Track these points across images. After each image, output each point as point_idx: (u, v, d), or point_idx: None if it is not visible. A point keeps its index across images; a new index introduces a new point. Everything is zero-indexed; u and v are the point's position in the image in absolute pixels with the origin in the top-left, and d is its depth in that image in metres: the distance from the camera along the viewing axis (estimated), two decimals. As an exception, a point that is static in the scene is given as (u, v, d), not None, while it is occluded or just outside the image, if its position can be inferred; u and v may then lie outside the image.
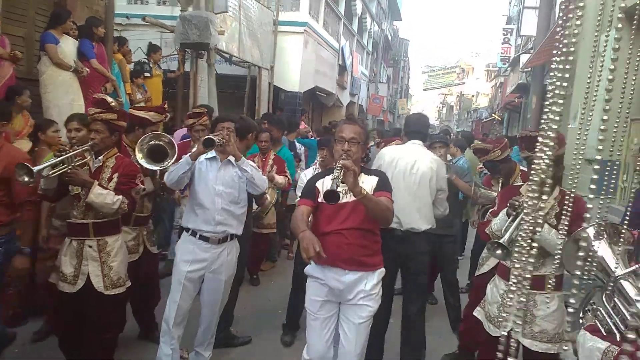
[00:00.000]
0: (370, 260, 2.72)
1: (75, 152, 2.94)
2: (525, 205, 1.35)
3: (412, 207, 3.51)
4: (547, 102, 1.08)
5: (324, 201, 2.59)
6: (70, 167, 2.88)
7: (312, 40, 13.83)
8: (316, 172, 4.07)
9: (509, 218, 2.77)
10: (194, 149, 3.17)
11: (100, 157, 3.08)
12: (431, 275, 5.17)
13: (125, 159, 3.24)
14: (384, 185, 2.74)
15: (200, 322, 3.42)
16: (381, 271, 2.79)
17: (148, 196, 3.67)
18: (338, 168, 2.43)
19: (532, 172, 1.02)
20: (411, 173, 3.53)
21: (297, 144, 7.67)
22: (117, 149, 3.22)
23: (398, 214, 3.35)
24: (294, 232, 2.65)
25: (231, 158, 3.23)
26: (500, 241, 2.67)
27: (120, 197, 2.97)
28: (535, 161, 1.07)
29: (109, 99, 3.14)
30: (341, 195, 2.53)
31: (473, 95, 45.74)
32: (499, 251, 2.73)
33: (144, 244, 3.73)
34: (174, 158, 3.33)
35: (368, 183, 2.70)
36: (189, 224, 3.25)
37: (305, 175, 4.25)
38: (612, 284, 1.87)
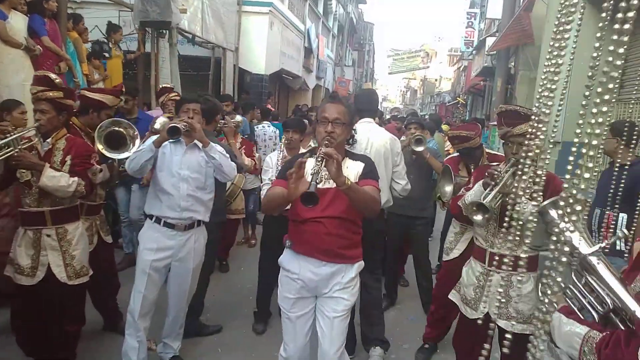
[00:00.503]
0: (349, 253, 2.53)
1: (20, 133, 2.74)
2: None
3: None
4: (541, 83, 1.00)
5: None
6: (17, 150, 2.67)
7: (278, 22, 13.53)
8: (281, 155, 3.94)
9: (485, 189, 2.71)
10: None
11: (49, 140, 2.87)
12: (402, 258, 5.17)
13: (77, 139, 3.05)
14: (370, 172, 2.54)
15: (167, 313, 3.28)
16: (360, 264, 2.62)
17: (101, 184, 3.47)
18: (319, 160, 2.20)
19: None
20: (365, 152, 3.48)
21: (271, 128, 7.59)
22: (67, 129, 3.02)
23: None
24: (275, 204, 2.46)
25: (198, 142, 3.06)
26: (483, 202, 2.60)
27: (76, 178, 2.80)
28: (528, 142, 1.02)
29: (53, 76, 2.92)
30: (323, 180, 2.39)
31: (436, 80, 46.21)
32: (479, 216, 2.66)
33: (98, 233, 3.55)
34: (136, 145, 3.14)
35: (353, 169, 2.52)
36: (152, 210, 3.08)
37: (270, 159, 4.10)
38: (578, 261, 1.81)
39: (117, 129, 3.16)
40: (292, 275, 2.55)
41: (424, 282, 4.62)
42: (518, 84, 12.15)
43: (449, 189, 3.46)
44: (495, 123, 11.23)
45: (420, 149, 4.31)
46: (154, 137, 3.01)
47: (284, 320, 2.64)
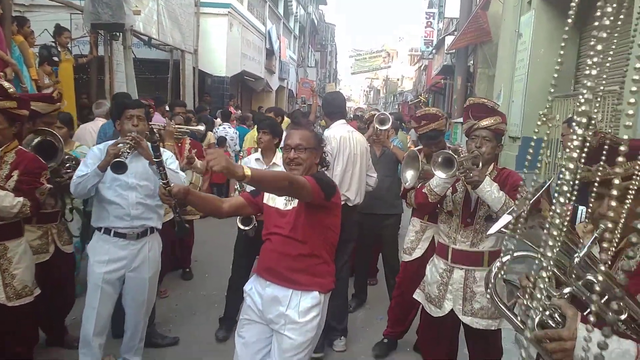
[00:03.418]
0: (296, 277, 2.30)
1: None
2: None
3: (356, 183, 3.79)
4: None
5: (267, 202, 2.44)
6: None
7: (237, 23, 13.37)
8: (258, 157, 3.84)
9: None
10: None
11: None
12: (373, 256, 5.12)
13: (28, 153, 2.84)
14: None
15: (125, 328, 3.11)
16: (314, 296, 2.34)
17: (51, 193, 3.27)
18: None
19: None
20: (355, 155, 3.76)
21: (232, 129, 7.64)
22: (19, 141, 2.83)
23: (350, 193, 3.73)
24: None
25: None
26: (450, 153, 2.54)
27: (21, 199, 2.60)
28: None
29: (6, 85, 2.72)
30: (285, 203, 2.37)
31: (398, 79, 46.85)
32: (441, 172, 2.58)
33: (55, 243, 3.35)
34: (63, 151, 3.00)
35: None
36: (100, 222, 2.93)
37: (249, 160, 3.98)
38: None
39: (43, 138, 2.97)
40: (245, 295, 2.48)
41: (393, 280, 4.57)
42: (477, 81, 12.38)
43: (410, 173, 3.27)
44: (457, 120, 11.42)
45: (384, 127, 4.35)
46: (94, 152, 2.88)
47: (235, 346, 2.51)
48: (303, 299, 2.32)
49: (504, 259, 1.49)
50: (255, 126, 6.73)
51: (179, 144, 4.71)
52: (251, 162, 3.92)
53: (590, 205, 1.54)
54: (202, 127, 5.27)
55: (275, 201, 2.43)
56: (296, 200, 2.34)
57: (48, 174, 2.92)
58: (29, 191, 2.68)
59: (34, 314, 3.00)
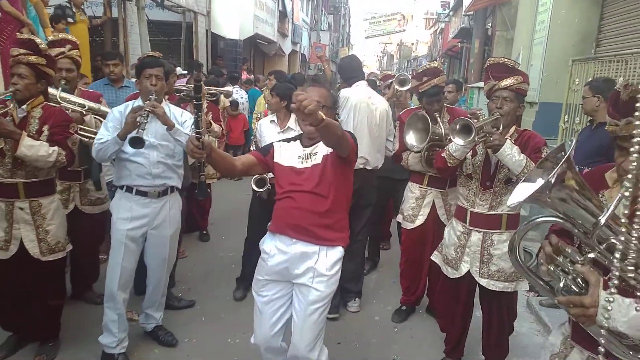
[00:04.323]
0: (324, 233, 2.38)
1: None
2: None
3: (374, 147, 3.78)
4: None
5: (279, 162, 2.46)
6: None
7: (250, -17, 13.11)
8: (272, 119, 3.84)
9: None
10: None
11: (24, 107, 2.74)
12: (386, 221, 5.17)
13: (54, 107, 2.91)
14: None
15: (147, 283, 3.20)
16: (339, 250, 2.44)
17: None
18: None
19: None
20: (373, 116, 3.74)
21: (240, 92, 7.68)
22: (44, 98, 2.88)
23: (366, 155, 3.67)
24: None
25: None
26: (468, 120, 2.53)
27: (56, 148, 2.69)
28: None
29: (38, 40, 2.76)
30: (300, 161, 2.42)
31: (413, 44, 45.91)
32: (460, 138, 2.57)
33: (74, 201, 3.43)
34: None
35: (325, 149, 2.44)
36: (122, 181, 2.96)
37: (260, 125, 3.97)
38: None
39: None
40: (264, 255, 2.50)
41: (405, 245, 4.63)
42: (495, 44, 12.09)
43: (412, 137, 3.07)
44: (474, 85, 11.21)
45: (404, 88, 4.33)
46: (115, 115, 2.89)
47: (255, 303, 2.56)
48: (329, 253, 2.41)
49: (530, 224, 1.44)
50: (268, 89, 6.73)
51: None
52: (266, 123, 3.92)
53: (616, 159, 1.53)
54: (230, 88, 5.26)
55: (288, 160, 2.46)
56: (314, 158, 2.40)
57: (76, 126, 2.99)
58: (62, 141, 2.77)
59: (63, 269, 3.11)
